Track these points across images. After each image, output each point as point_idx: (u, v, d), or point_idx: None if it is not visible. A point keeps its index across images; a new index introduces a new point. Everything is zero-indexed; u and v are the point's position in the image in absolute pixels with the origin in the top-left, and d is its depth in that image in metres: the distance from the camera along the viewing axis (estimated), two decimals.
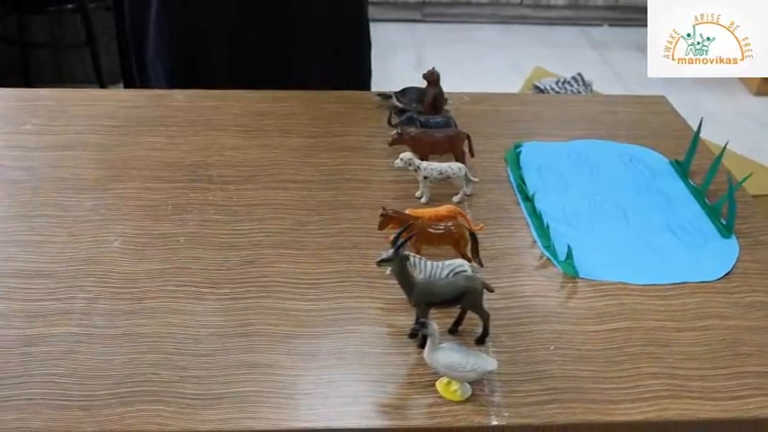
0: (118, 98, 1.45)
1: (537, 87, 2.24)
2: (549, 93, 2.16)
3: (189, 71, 1.59)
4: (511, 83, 3.78)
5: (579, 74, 2.33)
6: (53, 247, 1.05)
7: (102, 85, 3.33)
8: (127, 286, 0.99)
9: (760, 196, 1.55)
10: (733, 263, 1.08)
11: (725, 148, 1.24)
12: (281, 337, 0.92)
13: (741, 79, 4.10)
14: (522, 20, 4.83)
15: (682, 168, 1.29)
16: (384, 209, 1.02)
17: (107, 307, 0.95)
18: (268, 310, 0.96)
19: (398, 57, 4.05)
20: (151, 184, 1.19)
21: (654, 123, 1.46)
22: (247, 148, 1.30)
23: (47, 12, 3.34)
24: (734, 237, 1.14)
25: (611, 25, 4.83)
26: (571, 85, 2.21)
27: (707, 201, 1.21)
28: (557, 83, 2.26)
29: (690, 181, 1.26)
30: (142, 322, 0.93)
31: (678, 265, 1.07)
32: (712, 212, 1.18)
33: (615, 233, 1.13)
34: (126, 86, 1.78)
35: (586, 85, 2.25)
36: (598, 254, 1.08)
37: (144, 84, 1.69)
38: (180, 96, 1.45)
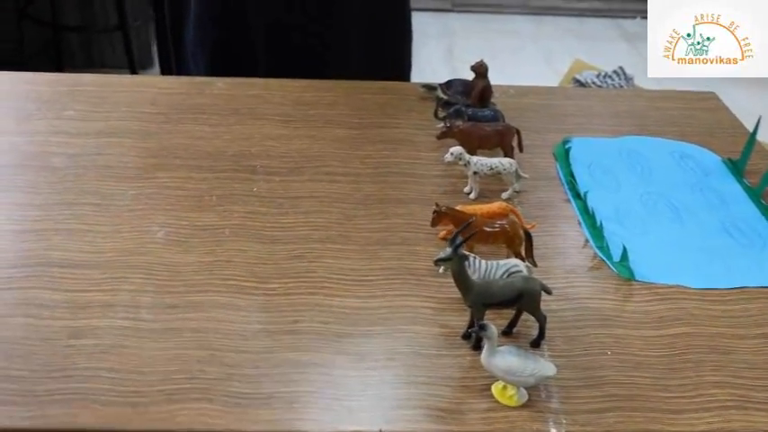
0: (159, 85, 1.43)
1: (577, 81, 2.20)
2: (590, 86, 2.12)
3: (228, 59, 1.57)
4: (545, 75, 3.74)
5: (620, 67, 2.28)
6: (97, 236, 1.03)
7: (134, 71, 3.31)
8: (172, 279, 0.97)
9: None
10: None
11: None
12: (331, 335, 0.89)
13: None
14: (554, 11, 4.77)
15: (736, 167, 1.25)
16: (437, 205, 1.00)
17: (152, 300, 0.93)
18: (317, 306, 0.93)
19: (429, 47, 4.01)
20: (194, 173, 1.17)
21: (704, 120, 1.43)
22: (291, 139, 1.28)
23: None
24: None
25: (643, 18, 4.77)
26: (612, 79, 2.17)
27: (763, 201, 1.17)
28: (597, 76, 2.22)
29: (745, 181, 1.22)
30: (188, 317, 0.91)
31: (737, 269, 1.04)
32: None
33: (669, 234, 1.10)
34: (163, 73, 1.76)
35: (628, 79, 2.21)
36: (653, 255, 1.05)
37: (181, 71, 1.67)
38: (221, 84, 1.43)
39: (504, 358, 0.80)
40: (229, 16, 1.54)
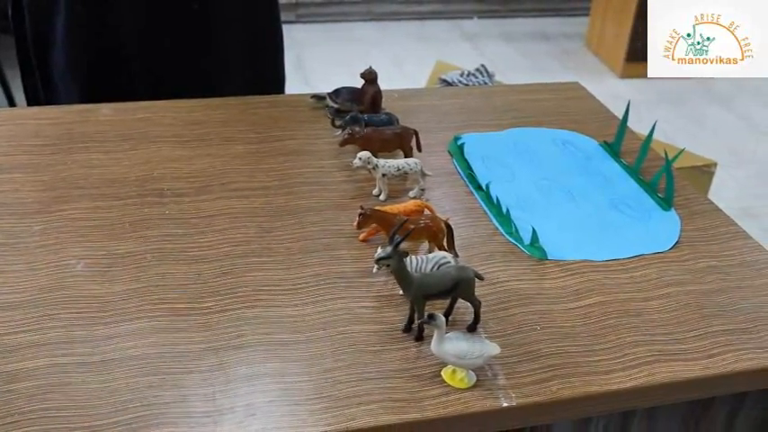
0: (39, 116, 1.37)
1: (444, 81, 2.30)
2: (457, 85, 2.22)
3: (105, 85, 1.53)
4: (395, 78, 3.85)
5: (483, 65, 2.40)
6: (10, 276, 0.99)
7: None
8: (102, 310, 0.95)
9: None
10: (679, 233, 1.16)
11: (653, 128, 1.32)
12: (276, 345, 0.91)
13: (606, 63, 4.35)
14: (396, 16, 4.91)
15: (612, 149, 1.36)
16: (362, 208, 1.03)
17: (86, 333, 0.91)
18: (256, 319, 0.94)
19: None
20: (100, 202, 1.15)
21: (574, 108, 1.54)
22: (191, 159, 1.27)
23: None
24: (673, 209, 1.21)
25: (480, 17, 4.99)
26: (476, 77, 2.28)
27: (641, 178, 1.29)
28: (461, 75, 2.32)
29: (622, 160, 1.34)
30: (128, 345, 0.90)
31: (631, 240, 1.13)
32: (650, 188, 1.25)
33: (568, 214, 1.19)
34: (29, 104, 1.68)
35: (490, 75, 2.33)
36: (557, 235, 1.13)
37: (50, 101, 1.61)
38: (105, 110, 1.40)
39: (453, 344, 0.85)
40: (102, 42, 1.50)
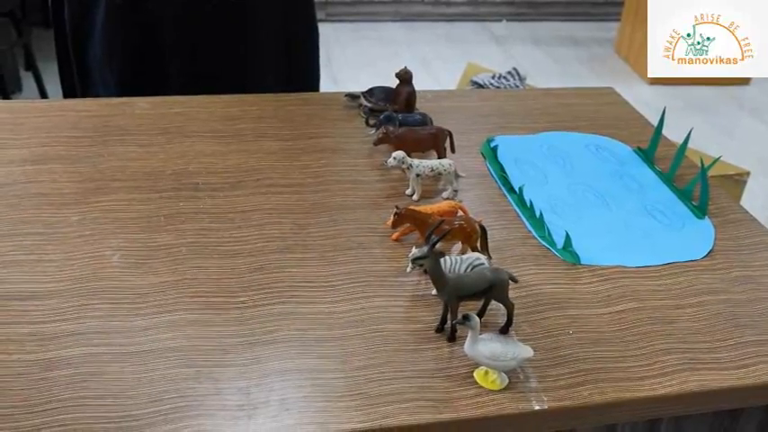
0: (77, 108, 1.39)
1: (475, 83, 2.30)
2: (488, 87, 2.22)
3: (142, 76, 1.55)
4: (423, 79, 3.86)
5: (514, 68, 2.40)
6: (49, 265, 1.01)
7: (6, 96, 3.18)
8: (138, 301, 0.96)
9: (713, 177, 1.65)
10: (712, 242, 1.15)
11: (689, 135, 1.31)
12: (311, 341, 0.91)
13: (635, 69, 4.32)
14: (424, 17, 4.92)
15: (646, 155, 1.36)
16: (397, 207, 1.03)
17: (123, 324, 0.92)
18: (290, 315, 0.95)
19: None
20: (136, 195, 1.16)
21: (608, 114, 1.53)
22: (226, 154, 1.28)
23: None
24: (707, 217, 1.21)
25: (508, 20, 4.99)
26: (507, 80, 2.28)
27: (675, 185, 1.28)
28: (493, 77, 2.32)
29: (656, 167, 1.33)
30: (164, 337, 0.91)
31: (664, 247, 1.13)
32: (683, 195, 1.25)
33: (600, 219, 1.19)
34: (66, 97, 1.71)
35: (521, 78, 2.32)
36: (590, 240, 1.12)
37: (86, 93, 1.63)
38: (142, 104, 1.41)
39: (486, 345, 0.85)
40: (141, 34, 1.52)
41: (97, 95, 1.59)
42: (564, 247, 1.09)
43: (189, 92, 1.48)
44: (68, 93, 1.68)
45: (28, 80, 3.57)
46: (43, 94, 3.38)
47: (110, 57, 1.54)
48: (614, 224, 1.18)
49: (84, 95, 1.63)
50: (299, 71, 1.68)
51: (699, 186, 1.23)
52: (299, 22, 1.65)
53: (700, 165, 1.24)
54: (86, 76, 1.61)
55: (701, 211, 1.21)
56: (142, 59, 1.53)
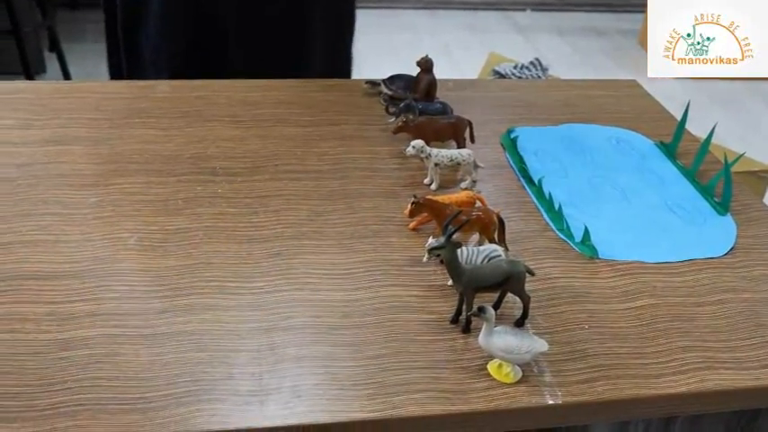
0: (99, 90, 1.39)
1: (497, 72, 2.28)
2: (510, 77, 2.20)
3: (196, 64, 1.52)
4: (444, 68, 3.83)
5: (537, 59, 2.38)
6: (66, 246, 1.01)
7: (30, 77, 3.19)
8: (154, 284, 0.96)
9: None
10: (734, 239, 1.14)
11: (713, 130, 1.29)
12: (325, 328, 0.91)
13: None
14: (447, 5, 4.89)
15: (668, 150, 1.34)
16: (415, 197, 1.03)
17: (139, 306, 0.92)
18: (305, 302, 0.95)
19: None
20: (154, 178, 1.16)
21: (631, 106, 1.52)
22: (244, 139, 1.28)
23: None
24: (729, 214, 1.19)
25: (533, 10, 4.94)
26: (529, 70, 2.26)
27: (698, 181, 1.26)
28: (515, 67, 2.30)
29: (678, 162, 1.32)
30: (178, 320, 0.91)
31: (685, 243, 1.12)
32: (706, 191, 1.23)
33: (620, 213, 1.17)
34: (112, 76, 1.67)
35: (544, 69, 2.30)
36: (608, 234, 1.11)
37: (133, 75, 1.61)
38: (164, 87, 1.41)
39: (501, 338, 0.85)
40: (199, 14, 1.50)
41: (145, 78, 1.56)
42: (582, 241, 1.08)
43: (244, 73, 1.47)
44: (115, 74, 1.65)
45: (52, 61, 3.59)
46: (66, 76, 3.39)
47: (168, 37, 1.51)
48: (634, 219, 1.16)
49: (129, 77, 1.61)
50: (341, 56, 1.67)
51: (722, 182, 1.21)
52: (344, 7, 1.64)
53: (723, 160, 1.22)
54: (136, 58, 1.58)
55: (723, 207, 1.20)
56: (200, 40, 1.51)
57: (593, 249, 1.07)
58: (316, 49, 1.57)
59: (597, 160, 1.30)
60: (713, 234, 1.14)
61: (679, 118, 1.37)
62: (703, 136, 1.30)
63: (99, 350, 0.86)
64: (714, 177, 1.24)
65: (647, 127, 1.43)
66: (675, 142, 1.34)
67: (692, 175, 1.27)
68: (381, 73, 1.44)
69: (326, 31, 1.58)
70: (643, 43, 4.50)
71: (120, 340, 0.87)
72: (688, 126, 1.36)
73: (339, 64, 1.61)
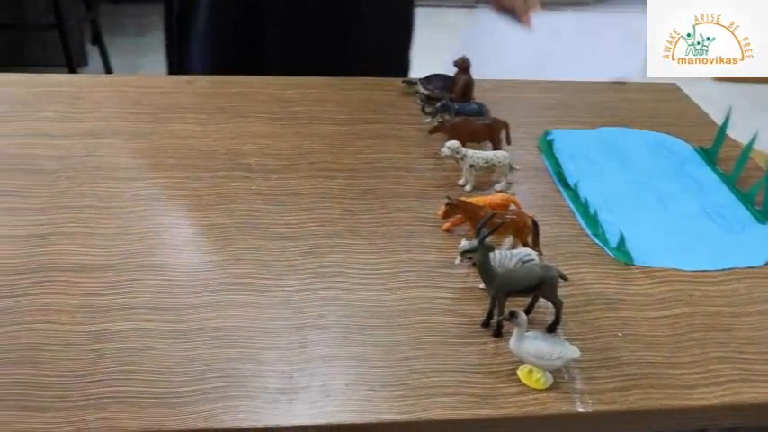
0: (139, 84, 1.41)
1: None
2: None
3: (240, 58, 1.53)
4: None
5: None
6: (103, 239, 1.02)
7: (72, 70, 3.24)
8: (187, 279, 0.97)
9: None
10: None
11: (755, 137, 1.27)
12: (356, 328, 0.91)
13: None
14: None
15: (708, 156, 1.32)
16: (449, 198, 1.02)
17: (172, 301, 0.93)
18: (337, 301, 0.95)
19: None
20: (190, 173, 1.17)
21: (670, 111, 1.49)
22: (280, 136, 1.28)
23: None
24: None
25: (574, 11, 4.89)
26: None
27: (737, 188, 1.24)
28: None
29: (718, 168, 1.29)
30: (210, 316, 0.91)
31: (723, 251, 1.10)
32: (746, 199, 1.21)
33: (657, 220, 1.16)
34: (170, 72, 1.67)
35: None
36: (645, 240, 1.10)
37: (183, 67, 1.60)
38: (203, 82, 1.42)
39: (532, 343, 0.84)
40: (246, 7, 1.49)
41: (191, 71, 1.56)
42: (618, 247, 1.07)
43: (284, 66, 1.47)
44: (171, 67, 1.65)
45: (94, 54, 3.64)
46: (108, 69, 3.44)
47: (214, 27, 1.51)
48: (671, 225, 1.14)
49: (180, 69, 1.61)
50: (396, 61, 1.65)
51: (763, 190, 1.19)
52: (400, 10, 1.62)
53: (765, 167, 1.20)
54: (187, 50, 1.59)
55: (763, 215, 1.17)
56: (245, 40, 1.51)
57: (629, 255, 1.05)
58: (363, 50, 1.55)
59: (635, 165, 1.28)
60: (752, 243, 1.12)
61: (719, 122, 1.35)
62: (744, 142, 1.28)
63: (131, 343, 0.87)
64: (755, 185, 1.21)
65: (687, 131, 1.41)
66: (716, 148, 1.31)
67: (732, 181, 1.25)
68: (421, 70, 1.43)
69: (380, 33, 1.56)
70: None
71: (152, 334, 0.88)
72: (729, 132, 1.34)
73: (393, 70, 1.57)
